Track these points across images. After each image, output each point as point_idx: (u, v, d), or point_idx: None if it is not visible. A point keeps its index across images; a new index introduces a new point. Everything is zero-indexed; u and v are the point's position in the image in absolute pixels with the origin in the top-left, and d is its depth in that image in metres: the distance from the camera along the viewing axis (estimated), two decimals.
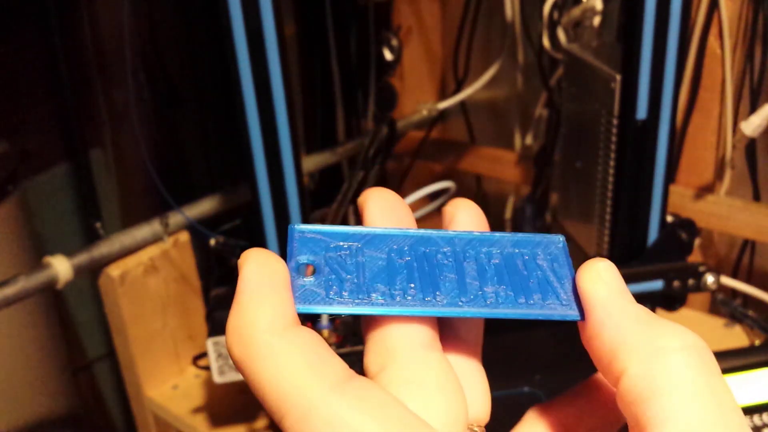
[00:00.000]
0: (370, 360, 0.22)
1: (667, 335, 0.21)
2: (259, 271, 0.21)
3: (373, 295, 0.22)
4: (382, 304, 0.22)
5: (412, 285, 0.22)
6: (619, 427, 0.25)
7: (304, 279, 0.22)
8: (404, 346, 0.22)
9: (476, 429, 0.23)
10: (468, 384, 0.23)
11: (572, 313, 0.23)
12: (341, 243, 0.23)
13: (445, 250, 0.23)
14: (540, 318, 0.22)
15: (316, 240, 0.23)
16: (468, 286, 0.23)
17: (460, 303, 0.22)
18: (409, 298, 0.22)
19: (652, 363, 0.21)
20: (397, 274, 0.22)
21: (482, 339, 0.25)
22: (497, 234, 0.24)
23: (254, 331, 0.20)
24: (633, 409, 0.21)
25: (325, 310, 0.22)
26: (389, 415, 0.19)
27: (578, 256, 0.81)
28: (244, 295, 0.21)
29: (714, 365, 0.21)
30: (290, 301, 0.21)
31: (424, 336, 0.22)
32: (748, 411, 0.66)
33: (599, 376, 0.25)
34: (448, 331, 0.24)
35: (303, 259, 0.22)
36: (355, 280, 0.22)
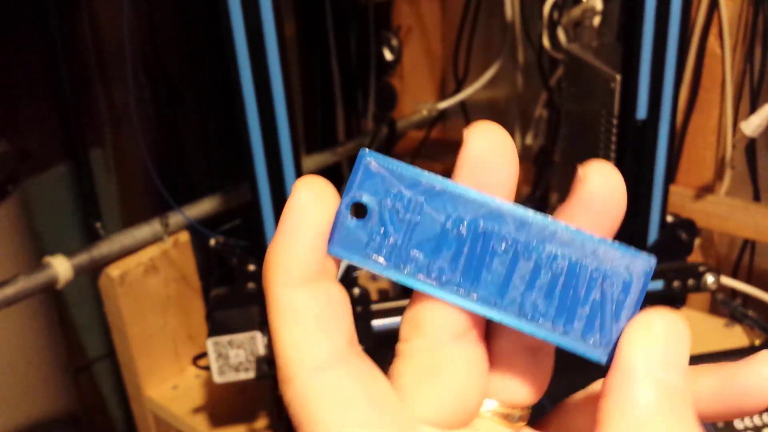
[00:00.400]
0: (405, 325, 0.22)
1: None
2: (307, 205, 0.20)
3: (410, 264, 0.21)
4: (413, 278, 0.21)
5: (452, 269, 0.21)
6: None
7: (351, 219, 0.20)
8: (433, 331, 0.21)
9: (502, 414, 0.22)
10: (512, 365, 0.22)
11: (598, 354, 0.21)
12: (406, 191, 0.20)
13: (509, 234, 0.21)
14: (568, 349, 0.21)
15: (382, 177, 0.20)
16: (511, 286, 0.21)
17: (494, 302, 0.21)
18: (444, 279, 0.20)
19: None
20: (443, 248, 0.20)
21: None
22: (583, 233, 0.20)
23: (280, 291, 0.20)
24: None
25: (356, 261, 0.21)
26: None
27: None
28: (285, 224, 0.20)
29: None
30: (322, 243, 0.20)
31: (458, 324, 0.21)
32: None
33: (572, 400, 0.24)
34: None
35: (358, 196, 0.21)
36: (400, 241, 0.20)
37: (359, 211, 0.21)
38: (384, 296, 0.83)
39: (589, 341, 0.20)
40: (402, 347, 0.22)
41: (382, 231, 0.21)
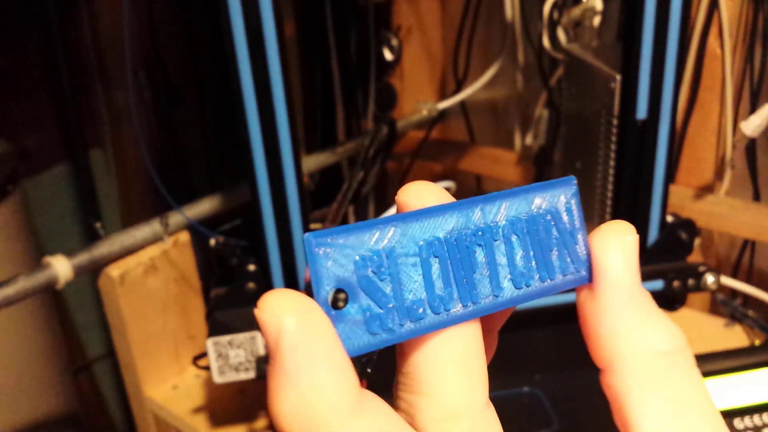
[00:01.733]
0: (420, 408, 0.19)
1: (657, 337, 0.21)
2: (306, 334, 0.17)
3: (415, 314, 0.19)
4: (426, 323, 0.19)
5: (449, 290, 0.20)
6: None
7: (340, 312, 0.18)
8: (465, 403, 0.19)
9: None
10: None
11: (584, 280, 0.22)
12: (369, 250, 0.19)
13: (474, 230, 0.20)
14: (555, 293, 0.22)
15: (339, 250, 0.19)
16: (500, 274, 0.21)
17: (494, 295, 0.21)
18: (451, 307, 0.20)
19: (636, 371, 0.21)
20: (433, 280, 0.20)
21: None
22: (518, 191, 0.22)
23: (323, 417, 0.17)
24: (613, 404, 0.21)
25: (372, 346, 0.19)
26: None
27: None
28: (293, 365, 0.17)
29: (695, 372, 0.21)
30: (350, 366, 0.17)
31: (477, 367, 0.20)
32: (748, 411, 0.66)
33: None
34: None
35: (329, 287, 0.18)
36: (393, 300, 0.19)
37: (339, 300, 0.19)
38: None
39: (570, 274, 0.22)
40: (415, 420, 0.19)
41: (373, 303, 0.19)
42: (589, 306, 0.22)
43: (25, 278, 0.70)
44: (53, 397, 0.97)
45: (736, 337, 0.83)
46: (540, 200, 0.22)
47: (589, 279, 0.22)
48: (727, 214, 0.85)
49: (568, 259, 0.22)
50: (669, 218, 0.75)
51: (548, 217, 0.22)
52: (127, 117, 1.01)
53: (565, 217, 0.22)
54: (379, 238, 0.19)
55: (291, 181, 0.67)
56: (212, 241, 0.75)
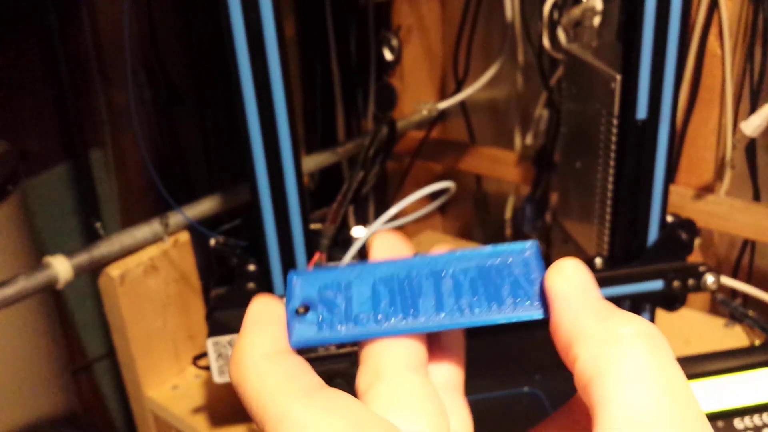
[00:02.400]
0: (360, 379, 0.24)
1: (621, 323, 0.22)
2: (259, 309, 0.25)
3: (360, 322, 0.24)
4: (365, 329, 0.24)
5: (393, 308, 0.25)
6: None
7: (299, 317, 0.25)
8: (390, 366, 0.24)
9: None
10: (451, 402, 0.25)
11: (537, 312, 0.24)
12: (333, 282, 0.26)
13: (425, 272, 0.25)
14: (508, 321, 0.24)
15: (313, 280, 0.26)
16: (445, 301, 0.25)
17: (438, 318, 0.24)
18: (392, 319, 0.24)
19: (602, 348, 0.21)
20: (380, 301, 0.25)
21: (464, 351, 0.27)
22: (474, 250, 0.26)
23: (247, 356, 0.23)
24: (585, 394, 0.21)
25: (316, 341, 0.24)
26: (354, 417, 0.21)
27: (578, 256, 0.80)
28: (244, 328, 0.24)
29: (666, 351, 0.21)
30: (282, 333, 0.24)
31: (410, 357, 0.24)
32: (748, 411, 0.66)
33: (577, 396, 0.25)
34: (435, 348, 0.26)
35: (297, 302, 0.25)
36: (343, 312, 0.25)
37: (304, 310, 0.25)
38: None
39: (522, 307, 0.24)
40: (367, 395, 0.23)
41: (326, 312, 0.25)
42: (554, 330, 0.23)
43: (25, 278, 0.70)
44: (53, 397, 0.97)
45: (736, 337, 0.83)
46: (492, 260, 0.26)
47: (545, 314, 0.24)
48: (727, 214, 0.85)
49: (522, 295, 0.24)
50: (669, 218, 0.75)
51: (502, 267, 0.25)
52: (127, 117, 1.01)
53: (518, 269, 0.25)
54: (344, 275, 0.26)
55: (291, 181, 0.67)
56: (212, 241, 0.75)
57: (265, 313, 0.25)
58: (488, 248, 0.26)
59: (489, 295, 0.25)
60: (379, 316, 0.24)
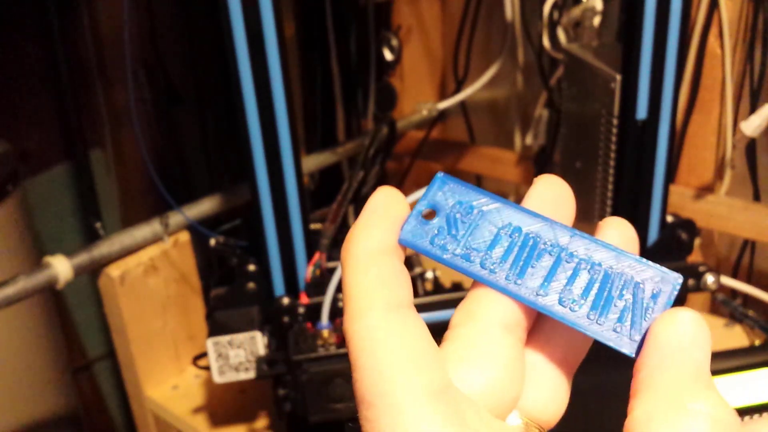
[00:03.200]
0: (457, 312, 0.24)
1: (699, 398, 0.20)
2: (382, 202, 0.24)
3: (467, 256, 0.24)
4: (470, 268, 0.24)
5: (503, 263, 0.24)
6: None
7: (420, 218, 0.25)
8: (484, 317, 0.23)
9: (533, 427, 0.23)
10: (540, 383, 0.24)
11: (629, 348, 0.22)
12: (470, 204, 0.25)
13: (556, 243, 0.24)
14: (595, 338, 0.23)
15: (451, 192, 0.25)
16: (552, 282, 0.23)
17: (537, 294, 0.23)
18: (496, 270, 0.24)
19: (666, 412, 0.20)
20: (496, 246, 0.24)
21: (579, 357, 0.25)
22: (627, 253, 0.24)
23: (360, 252, 0.23)
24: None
25: (422, 250, 0.24)
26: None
27: None
28: (363, 215, 0.24)
29: None
30: (394, 231, 0.24)
31: (508, 318, 0.23)
32: (748, 411, 0.66)
33: None
34: (540, 334, 0.25)
35: (424, 203, 0.25)
36: (460, 237, 0.24)
37: (428, 215, 0.25)
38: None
39: (621, 334, 0.23)
40: (451, 333, 0.23)
41: (445, 229, 0.25)
42: (634, 373, 0.22)
43: (25, 278, 0.70)
44: (53, 397, 0.97)
45: (736, 337, 0.83)
46: (631, 269, 0.23)
47: (636, 354, 0.22)
48: (727, 214, 0.85)
49: (628, 322, 0.23)
50: (669, 218, 0.75)
51: (629, 283, 0.23)
52: (127, 117, 1.01)
53: (646, 294, 0.23)
54: (483, 202, 0.25)
55: (291, 181, 0.67)
56: (212, 241, 0.75)
57: (385, 207, 0.24)
58: (635, 257, 0.24)
59: (597, 301, 0.23)
60: (487, 266, 0.24)
